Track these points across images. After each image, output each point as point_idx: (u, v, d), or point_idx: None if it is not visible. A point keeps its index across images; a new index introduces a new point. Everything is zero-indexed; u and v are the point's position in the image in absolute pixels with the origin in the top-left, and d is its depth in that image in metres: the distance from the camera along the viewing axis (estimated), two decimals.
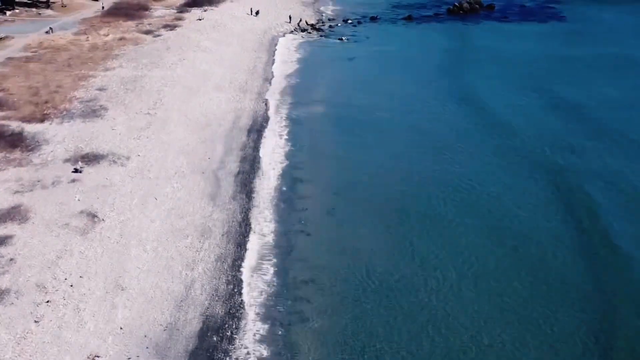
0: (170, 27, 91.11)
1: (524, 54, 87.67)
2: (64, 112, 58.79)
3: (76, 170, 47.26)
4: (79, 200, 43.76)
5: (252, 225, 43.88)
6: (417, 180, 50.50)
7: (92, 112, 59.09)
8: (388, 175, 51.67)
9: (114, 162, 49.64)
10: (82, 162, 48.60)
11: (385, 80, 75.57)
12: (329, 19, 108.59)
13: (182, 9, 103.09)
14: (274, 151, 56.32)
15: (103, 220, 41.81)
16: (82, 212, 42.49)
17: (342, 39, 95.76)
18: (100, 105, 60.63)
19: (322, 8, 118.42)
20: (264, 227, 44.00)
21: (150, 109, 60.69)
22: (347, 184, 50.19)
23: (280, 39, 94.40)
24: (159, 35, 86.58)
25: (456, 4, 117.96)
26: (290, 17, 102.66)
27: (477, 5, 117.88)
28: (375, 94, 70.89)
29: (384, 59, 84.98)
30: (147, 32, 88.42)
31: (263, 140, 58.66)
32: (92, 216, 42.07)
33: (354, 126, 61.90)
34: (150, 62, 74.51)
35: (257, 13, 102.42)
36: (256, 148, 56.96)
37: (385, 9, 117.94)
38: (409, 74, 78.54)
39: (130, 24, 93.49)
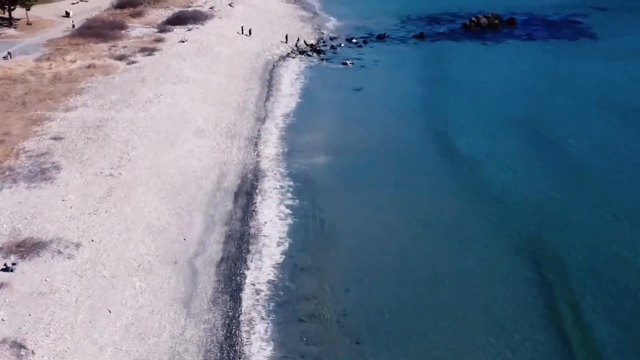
0: (148, 51, 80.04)
1: (558, 81, 77.57)
2: (7, 173, 47.68)
3: (6, 269, 36.31)
4: (3, 320, 32.55)
5: (242, 349, 32.93)
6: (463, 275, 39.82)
7: (41, 172, 48.23)
8: (410, 262, 41.02)
9: (59, 252, 38.82)
10: (15, 254, 37.56)
11: (398, 120, 65.92)
12: (331, 38, 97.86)
13: (164, 27, 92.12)
14: (269, 224, 45.58)
15: (33, 352, 30.58)
16: (4, 340, 31.30)
17: (346, 64, 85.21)
18: (53, 163, 49.81)
19: (322, 24, 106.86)
20: (257, 351, 33.26)
21: (114, 167, 49.73)
22: (366, 277, 39.41)
23: (276, 64, 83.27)
24: (134, 62, 75.57)
25: (473, 18, 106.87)
26: (286, 37, 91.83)
27: (496, 21, 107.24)
28: (388, 138, 61.02)
29: (395, 91, 75.04)
30: (121, 58, 77.41)
31: (254, 208, 47.79)
32: (19, 347, 30.85)
33: (367, 184, 51.66)
34: (120, 99, 63.53)
35: (249, 32, 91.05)
36: (245, 220, 46.39)
37: (393, 24, 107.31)
38: (427, 112, 68.44)
39: (103, 46, 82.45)
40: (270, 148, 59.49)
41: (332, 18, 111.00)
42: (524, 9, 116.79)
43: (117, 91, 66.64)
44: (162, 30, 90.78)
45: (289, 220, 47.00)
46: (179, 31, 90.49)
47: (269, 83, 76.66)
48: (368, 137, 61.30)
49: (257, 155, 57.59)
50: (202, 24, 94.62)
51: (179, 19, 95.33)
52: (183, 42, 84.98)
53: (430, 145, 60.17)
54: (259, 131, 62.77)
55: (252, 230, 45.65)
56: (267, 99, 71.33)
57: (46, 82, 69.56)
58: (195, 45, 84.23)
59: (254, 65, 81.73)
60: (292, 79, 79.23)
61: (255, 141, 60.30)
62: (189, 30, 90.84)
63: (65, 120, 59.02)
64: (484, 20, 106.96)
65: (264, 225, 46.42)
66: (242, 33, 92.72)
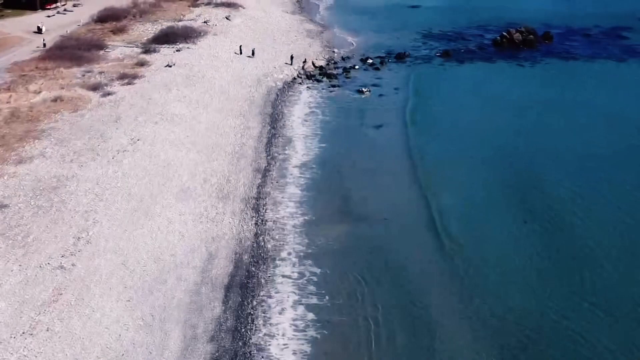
0: (128, 78, 68.75)
1: (612, 114, 66.17)
2: None
3: None
4: None
5: None
6: None
7: None
8: None
9: None
10: None
11: (429, 174, 53.83)
12: (343, 58, 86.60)
13: (149, 47, 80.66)
14: (276, 342, 33.95)
15: None
16: None
17: (362, 91, 74.04)
18: None
19: (333, 40, 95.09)
20: None
21: (67, 254, 38.57)
22: None
23: (279, 93, 72.17)
24: (109, 94, 64.38)
25: (504, 33, 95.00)
26: (291, 58, 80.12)
27: (531, 36, 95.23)
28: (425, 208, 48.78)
29: (423, 129, 63.72)
30: (95, 88, 66.23)
31: (252, 311, 36.00)
32: None
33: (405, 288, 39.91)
34: (87, 147, 52.21)
35: (252, 53, 79.55)
36: (239, 333, 34.21)
37: (413, 40, 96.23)
38: (465, 160, 57.53)
39: (75, 72, 71.18)
40: (274, 212, 47.67)
41: (343, 33, 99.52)
42: (559, 20, 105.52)
43: (85, 135, 55.19)
44: (146, 51, 79.19)
45: (309, 332, 35.17)
46: (166, 52, 78.83)
47: (272, 119, 65.34)
48: (396, 200, 49.87)
49: (256, 224, 45.71)
50: (193, 42, 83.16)
51: (167, 37, 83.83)
52: (170, 66, 73.31)
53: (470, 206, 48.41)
54: (258, 188, 50.92)
55: (251, 350, 33.69)
56: (269, 142, 60.08)
57: (0, 120, 57.79)
58: (184, 70, 72.73)
59: (253, 96, 70.14)
60: (298, 114, 68.43)
61: (253, 203, 48.89)
62: (177, 51, 79.32)
63: (14, 177, 47.75)
64: (517, 35, 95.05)
65: (269, 340, 34.43)
66: (240, 53, 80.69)
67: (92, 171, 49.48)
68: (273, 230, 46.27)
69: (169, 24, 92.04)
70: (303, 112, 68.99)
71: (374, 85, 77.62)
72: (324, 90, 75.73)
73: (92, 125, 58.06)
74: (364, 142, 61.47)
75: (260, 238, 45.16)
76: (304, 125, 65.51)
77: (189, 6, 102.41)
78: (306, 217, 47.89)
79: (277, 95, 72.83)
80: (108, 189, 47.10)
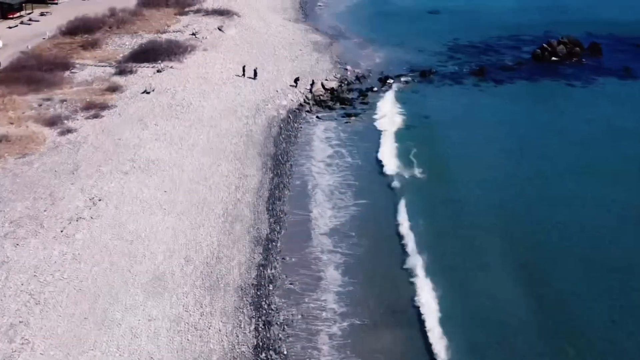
0: (96, 108, 56.77)
1: None
2: None
3: None
4: None
5: None
6: None
7: None
8: None
9: None
10: None
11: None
12: (357, 77, 74.19)
13: (125, 66, 68.11)
14: None
15: None
16: None
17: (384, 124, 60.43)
18: None
19: (344, 55, 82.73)
20: None
21: None
22: None
23: (283, 126, 61.95)
24: (70, 131, 52.73)
25: (545, 45, 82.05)
26: (296, 79, 66.84)
27: (576, 48, 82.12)
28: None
29: (470, 186, 51.76)
30: (52, 123, 54.20)
31: None
32: None
33: None
34: (30, 214, 40.15)
35: (254, 74, 67.07)
36: None
37: (439, 53, 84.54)
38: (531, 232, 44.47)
39: (31, 99, 58.90)
40: (281, 311, 34.54)
41: (356, 45, 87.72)
42: (605, 28, 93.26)
43: (29, 194, 42.79)
44: (121, 71, 66.63)
45: None
46: (145, 73, 66.20)
47: (274, 163, 53.38)
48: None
49: (257, 331, 32.69)
50: (179, 60, 70.47)
51: (148, 53, 71.34)
52: (148, 93, 60.53)
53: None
54: (258, 270, 37.95)
55: None
56: (273, 195, 46.54)
57: None
58: (165, 98, 60.45)
59: (250, 130, 57.62)
60: (308, 154, 55.95)
61: (252, 295, 35.38)
62: (158, 71, 66.73)
63: None
64: (560, 48, 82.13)
65: None
66: (243, 74, 67.77)
67: (30, 253, 36.68)
68: (281, 341, 32.97)
69: (151, 36, 79.40)
70: (315, 151, 55.95)
71: (399, 114, 63.98)
72: (336, 122, 63.19)
73: (41, 178, 45.32)
74: (386, 202, 48.14)
75: (263, 355, 31.84)
76: (320, 170, 52.46)
77: (175, 14, 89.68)
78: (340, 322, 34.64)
79: (281, 128, 60.26)
80: (49, 283, 34.42)
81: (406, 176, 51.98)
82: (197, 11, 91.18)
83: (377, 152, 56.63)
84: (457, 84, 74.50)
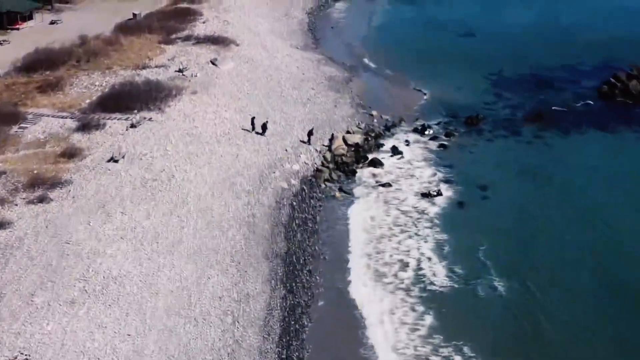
0: (43, 187, 44.62)
1: None
2: None
3: None
4: None
5: None
6: None
7: None
8: None
9: None
10: None
11: None
12: (387, 126, 59.33)
13: (90, 118, 55.42)
14: None
15: None
16: None
17: (430, 194, 45.69)
18: None
19: (366, 94, 68.27)
20: None
21: None
22: None
23: (295, 207, 48.34)
24: (0, 226, 36.42)
25: (612, 80, 67.50)
26: (309, 134, 52.21)
27: None
28: None
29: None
30: None
31: None
32: None
33: None
34: None
35: (263, 128, 53.47)
36: None
37: (482, 90, 72.55)
38: None
39: None
40: None
41: (380, 80, 72.93)
42: None
43: None
44: (85, 126, 52.99)
45: None
46: (115, 128, 52.35)
47: (286, 269, 38.68)
48: None
49: None
50: (160, 109, 56.53)
51: (120, 99, 57.73)
52: (116, 161, 45.71)
53: None
54: None
55: None
56: (286, 332, 32.82)
57: None
58: (138, 168, 46.82)
59: (253, 215, 44.07)
60: (332, 253, 40.40)
61: None
62: (133, 126, 53.05)
63: None
64: (634, 83, 67.38)
65: None
66: (253, 129, 53.93)
67: None
68: None
69: (128, 73, 64.96)
70: (346, 246, 40.81)
71: (446, 181, 49.56)
72: (365, 196, 47.86)
73: None
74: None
75: None
76: (357, 280, 37.34)
77: (159, 43, 75.12)
78: None
79: (294, 209, 46.47)
80: None
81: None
82: (187, 38, 76.64)
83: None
84: (512, 134, 60.60)
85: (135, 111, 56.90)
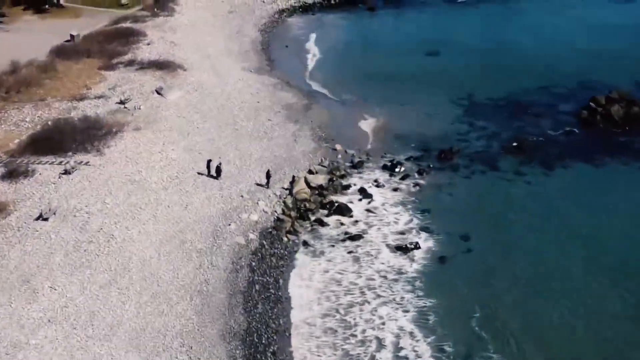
0: None
1: None
2: None
3: None
4: None
5: None
6: None
7: None
8: None
9: None
10: None
11: None
12: (353, 162, 54.86)
13: (16, 163, 50.73)
14: None
15: None
16: None
17: (407, 249, 40.87)
18: None
19: (329, 123, 64.08)
20: None
21: None
22: None
23: (257, 267, 44.09)
24: None
25: (591, 103, 63.32)
26: (269, 175, 46.97)
27: (635, 108, 63.24)
28: None
29: None
30: None
31: None
32: None
33: None
34: None
35: (217, 172, 47.39)
36: None
37: (454, 117, 68.23)
38: None
39: None
40: None
41: (343, 107, 67.95)
42: None
43: None
44: (11, 173, 48.61)
45: None
46: (46, 175, 46.66)
47: (247, 353, 31.96)
48: None
49: None
50: (98, 150, 51.43)
51: (53, 139, 52.20)
52: (45, 219, 39.31)
53: None
54: None
55: None
56: None
57: None
58: (71, 229, 41.79)
59: (206, 281, 39.30)
60: (301, 329, 35.76)
61: None
62: (66, 172, 47.07)
63: None
64: (615, 109, 63.48)
65: None
66: (209, 173, 48.62)
67: None
68: None
69: (63, 106, 59.00)
70: (313, 320, 35.74)
71: (423, 230, 44.66)
72: (333, 247, 42.17)
73: None
74: None
75: None
76: None
77: (99, 69, 68.91)
78: None
79: (253, 271, 41.50)
80: None
81: None
82: (129, 63, 70.42)
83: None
84: (491, 169, 55.78)
85: (70, 153, 50.57)
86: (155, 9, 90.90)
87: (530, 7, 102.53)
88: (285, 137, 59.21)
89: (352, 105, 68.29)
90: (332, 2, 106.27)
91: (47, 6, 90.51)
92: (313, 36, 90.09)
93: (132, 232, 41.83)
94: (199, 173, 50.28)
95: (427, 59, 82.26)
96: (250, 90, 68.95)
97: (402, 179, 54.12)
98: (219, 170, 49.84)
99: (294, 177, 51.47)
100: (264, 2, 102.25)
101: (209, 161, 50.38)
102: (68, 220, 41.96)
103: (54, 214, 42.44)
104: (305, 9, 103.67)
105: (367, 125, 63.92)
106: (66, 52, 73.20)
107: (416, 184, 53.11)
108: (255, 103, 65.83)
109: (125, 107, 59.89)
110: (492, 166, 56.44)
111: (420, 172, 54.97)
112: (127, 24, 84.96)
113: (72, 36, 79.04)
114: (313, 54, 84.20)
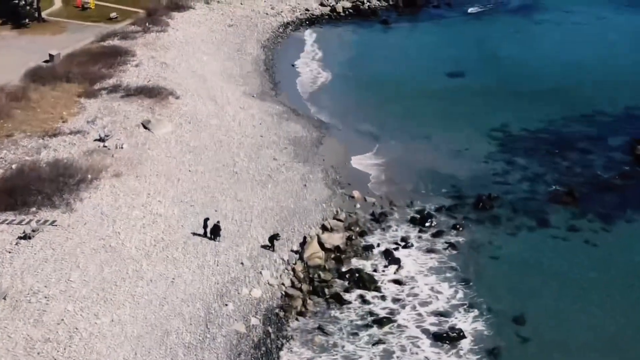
0: None
1: None
2: None
3: None
4: None
5: None
6: None
7: None
8: None
9: None
10: None
11: None
12: (374, 214, 46.40)
13: None
14: None
15: None
16: None
17: (450, 344, 32.21)
18: None
19: (345, 164, 56.15)
20: None
21: None
22: None
23: None
24: None
25: None
26: (273, 239, 38.63)
27: None
28: None
29: None
30: None
31: None
32: None
33: None
34: None
35: (213, 235, 39.08)
36: None
37: (489, 155, 59.64)
38: None
39: None
40: None
41: (360, 143, 59.98)
42: None
43: None
44: None
45: None
46: (1, 239, 35.60)
47: None
48: None
49: None
50: (68, 204, 43.94)
51: (15, 192, 44.11)
52: None
53: None
54: None
55: None
56: None
57: None
58: (26, 318, 32.68)
59: None
60: None
61: None
62: (26, 237, 38.64)
63: None
64: None
65: None
66: (205, 233, 40.93)
67: None
68: None
69: (33, 144, 50.28)
70: None
71: (465, 310, 37.12)
72: (356, 335, 34.27)
73: None
74: None
75: None
76: None
77: (79, 96, 60.13)
78: None
79: None
80: None
81: None
82: (114, 89, 61.67)
83: None
84: (540, 224, 47.61)
85: (34, 209, 41.37)
86: (147, 24, 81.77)
87: (554, 18, 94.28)
88: (294, 182, 50.29)
89: (369, 139, 59.61)
90: (342, 14, 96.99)
91: (27, 21, 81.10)
92: (322, 53, 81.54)
93: (102, 322, 32.95)
94: (196, 234, 41.14)
95: (450, 81, 73.45)
96: (252, 121, 60.13)
97: (435, 235, 45.11)
98: (216, 230, 40.83)
99: (305, 237, 42.18)
100: (267, 14, 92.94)
101: (206, 220, 41.31)
102: (20, 309, 33.09)
103: (4, 298, 33.26)
104: (312, 22, 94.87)
105: (388, 164, 55.34)
106: (43, 75, 64.49)
107: (452, 245, 44.05)
108: (259, 138, 57.14)
109: (104, 146, 50.98)
110: (540, 219, 47.56)
111: (455, 227, 46.09)
112: (115, 41, 76.04)
113: (51, 56, 70.31)
114: (322, 74, 75.76)
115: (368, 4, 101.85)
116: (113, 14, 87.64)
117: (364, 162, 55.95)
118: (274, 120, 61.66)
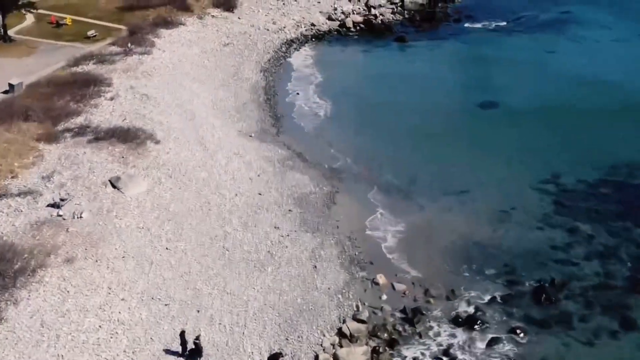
0: None
1: None
2: None
3: None
4: None
5: None
6: None
7: None
8: None
9: None
10: None
11: None
12: (409, 311, 37.26)
13: None
14: None
15: None
16: None
17: None
18: None
19: (366, 234, 43.68)
20: None
21: None
22: None
23: None
24: None
25: None
26: (276, 357, 25.77)
27: None
28: None
29: None
30: None
31: None
32: None
33: None
34: None
35: (194, 353, 29.46)
36: None
37: (545, 217, 48.19)
38: None
39: None
40: None
41: (379, 195, 47.80)
42: None
43: None
44: None
45: None
46: None
47: None
48: None
49: None
50: (4, 304, 29.16)
51: None
52: None
53: None
54: None
55: None
56: None
57: None
58: None
59: None
60: None
61: None
62: None
63: None
64: None
65: None
66: (185, 352, 28.84)
67: None
68: None
69: None
70: None
71: None
72: None
73: None
74: None
75: None
76: None
77: (37, 140, 48.93)
78: None
79: None
80: None
81: None
82: (80, 131, 50.77)
83: None
84: (625, 327, 38.34)
85: None
86: (129, 44, 70.49)
87: (591, 34, 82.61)
88: (300, 262, 39.27)
89: (393, 196, 48.79)
90: (352, 29, 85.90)
91: None
92: (331, 78, 70.01)
93: None
94: (165, 351, 29.66)
95: (482, 114, 62.68)
96: (249, 172, 49.02)
97: (489, 345, 33.07)
98: (197, 350, 29.30)
99: (316, 356, 30.65)
100: (268, 30, 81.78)
101: (182, 333, 29.84)
102: None
103: None
104: (319, 38, 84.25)
105: (417, 230, 44.36)
106: None
107: (508, 358, 32.18)
108: (256, 196, 46.01)
109: (59, 215, 39.86)
110: (623, 320, 36.95)
111: (514, 331, 34.45)
112: (90, 66, 65.13)
113: (11, 86, 59.23)
114: (332, 106, 64.44)
115: (381, 17, 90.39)
116: (91, 32, 76.70)
117: (386, 229, 44.30)
118: (275, 170, 50.64)
